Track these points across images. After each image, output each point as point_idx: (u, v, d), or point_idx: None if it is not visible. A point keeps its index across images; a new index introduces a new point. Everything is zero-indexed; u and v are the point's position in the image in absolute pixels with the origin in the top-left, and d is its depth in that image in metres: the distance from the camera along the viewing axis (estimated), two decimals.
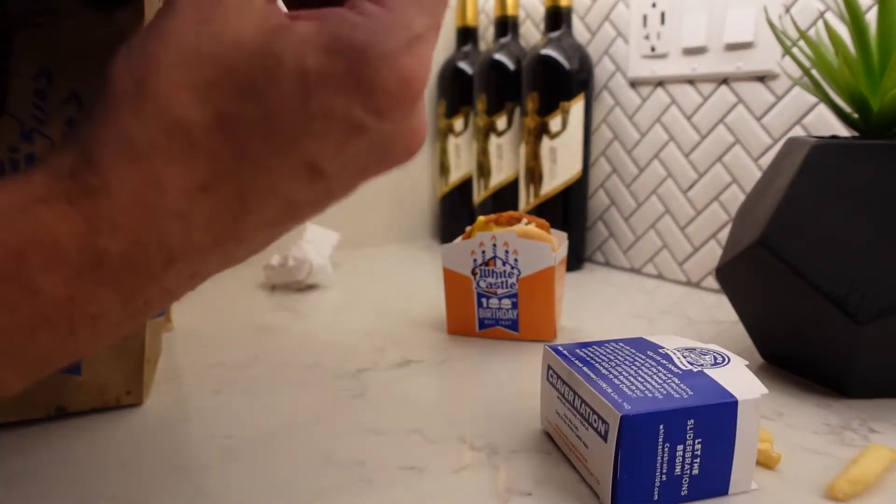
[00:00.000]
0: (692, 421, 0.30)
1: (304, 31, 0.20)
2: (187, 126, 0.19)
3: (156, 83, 0.19)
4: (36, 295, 0.19)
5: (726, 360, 0.35)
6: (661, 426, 0.30)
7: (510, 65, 0.85)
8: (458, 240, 0.56)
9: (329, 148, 0.20)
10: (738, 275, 0.49)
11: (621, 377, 0.33)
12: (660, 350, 0.36)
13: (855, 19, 0.44)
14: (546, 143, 0.79)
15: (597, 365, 0.35)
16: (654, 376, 0.33)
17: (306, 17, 0.20)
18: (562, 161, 0.80)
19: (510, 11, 0.87)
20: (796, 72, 0.63)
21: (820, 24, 0.61)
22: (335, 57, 0.19)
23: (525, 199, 0.83)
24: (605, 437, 0.31)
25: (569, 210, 0.82)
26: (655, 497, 0.31)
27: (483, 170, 0.89)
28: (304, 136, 0.20)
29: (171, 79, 0.19)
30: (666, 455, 0.31)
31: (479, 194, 0.91)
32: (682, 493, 0.31)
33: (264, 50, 0.19)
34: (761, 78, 0.67)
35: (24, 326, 0.19)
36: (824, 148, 0.44)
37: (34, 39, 0.34)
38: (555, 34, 0.79)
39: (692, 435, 0.31)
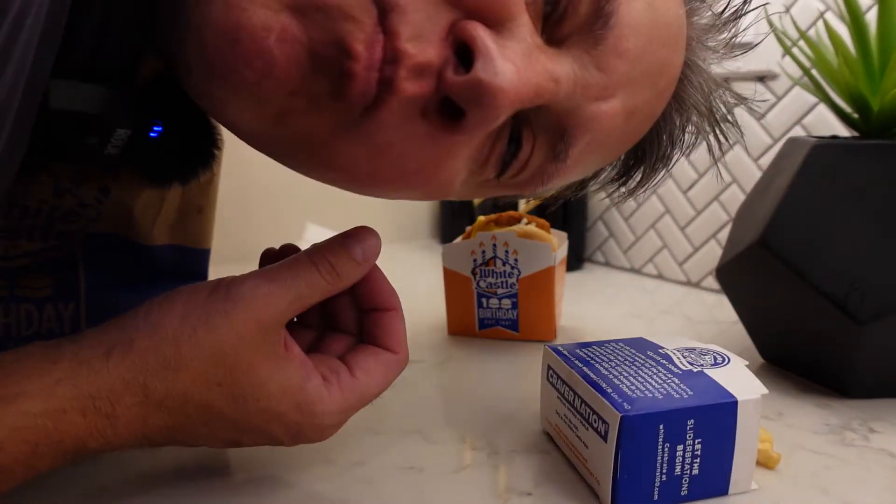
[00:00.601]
0: (692, 421, 0.30)
1: (290, 383, 0.29)
2: (188, 399, 0.27)
3: (189, 368, 0.27)
4: (33, 470, 0.26)
5: (726, 360, 0.35)
6: (661, 426, 0.30)
7: None
8: (458, 240, 0.56)
9: (257, 442, 0.31)
10: (738, 275, 0.49)
11: (621, 377, 0.33)
12: (660, 350, 0.36)
13: (855, 19, 0.44)
14: None
15: (597, 365, 0.35)
16: (654, 376, 0.33)
17: (297, 357, 0.29)
18: None
19: None
20: (796, 72, 0.63)
21: (820, 24, 0.61)
22: (299, 412, 0.29)
23: (525, 199, 0.83)
24: (605, 437, 0.31)
25: (569, 210, 0.82)
26: (655, 497, 0.31)
27: None
28: (248, 434, 0.30)
29: (198, 368, 0.27)
30: (666, 455, 0.31)
31: None
32: (682, 493, 0.31)
33: (261, 383, 0.28)
34: (761, 78, 0.67)
35: (12, 486, 0.26)
36: (824, 148, 0.44)
37: None
38: None
39: (692, 435, 0.31)
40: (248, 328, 0.27)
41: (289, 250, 0.34)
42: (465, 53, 0.25)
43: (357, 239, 0.31)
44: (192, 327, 0.27)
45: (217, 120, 0.33)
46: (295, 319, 0.35)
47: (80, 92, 0.26)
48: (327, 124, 0.25)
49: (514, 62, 0.25)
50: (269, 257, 0.34)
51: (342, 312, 0.34)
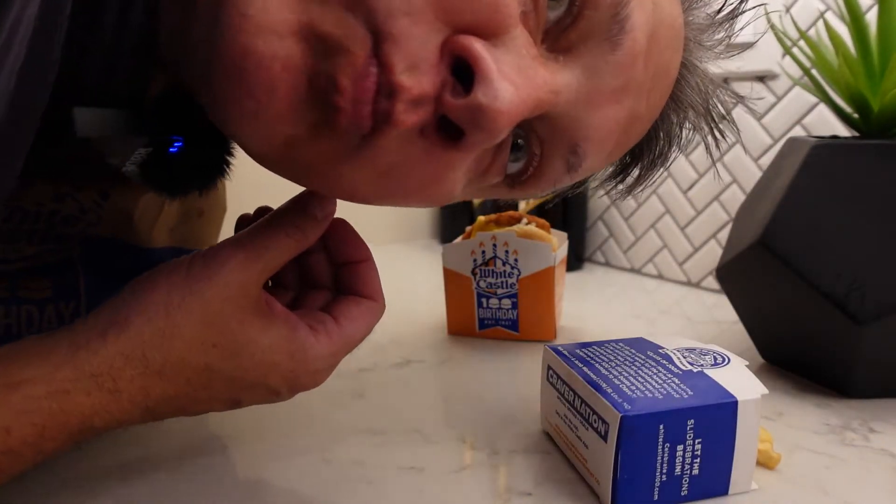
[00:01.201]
0: (692, 421, 0.30)
1: (279, 334, 0.30)
2: (186, 364, 0.29)
3: (182, 334, 0.28)
4: (41, 453, 0.27)
5: (726, 360, 0.35)
6: (661, 426, 0.30)
7: None
8: (459, 240, 0.56)
9: (256, 399, 0.32)
10: (738, 275, 0.49)
11: (621, 377, 0.33)
12: (660, 350, 0.36)
13: (855, 19, 0.44)
14: None
15: (597, 365, 0.35)
16: (655, 376, 0.33)
17: (281, 312, 0.31)
18: None
19: None
20: (796, 72, 0.63)
21: (820, 24, 0.61)
22: (292, 360, 0.31)
23: (525, 199, 0.83)
24: (605, 437, 0.31)
25: (569, 210, 0.82)
26: (655, 497, 0.31)
27: None
28: (248, 391, 0.31)
29: (191, 333, 0.28)
30: (666, 455, 0.31)
31: None
32: (682, 493, 0.31)
33: (253, 338, 0.30)
34: (761, 78, 0.67)
35: (22, 469, 0.27)
36: (824, 148, 0.44)
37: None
38: None
39: (692, 435, 0.31)
40: (232, 290, 0.29)
41: (262, 212, 0.35)
42: (460, 69, 0.25)
43: (313, 198, 0.32)
44: (180, 296, 0.28)
45: (231, 139, 0.34)
46: (270, 283, 0.36)
47: (104, 118, 0.27)
48: (328, 152, 0.26)
49: (513, 80, 0.25)
50: (243, 222, 0.36)
51: (317, 269, 0.35)
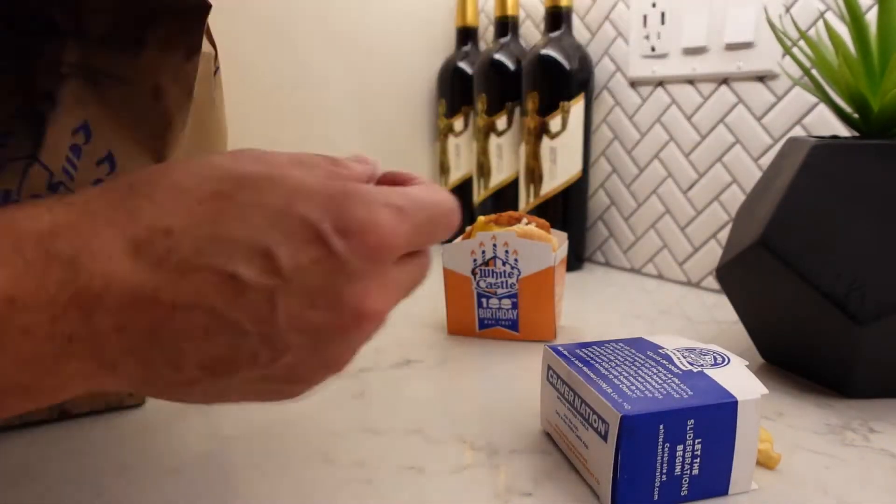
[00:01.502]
0: (692, 421, 0.30)
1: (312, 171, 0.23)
2: (182, 190, 0.22)
3: (179, 165, 0.23)
4: None
5: (726, 360, 0.35)
6: (661, 426, 0.30)
7: (510, 65, 0.85)
8: (458, 240, 0.56)
9: (293, 240, 0.22)
10: (738, 275, 0.49)
11: (621, 377, 0.33)
12: (660, 350, 0.36)
13: (855, 19, 0.44)
14: (546, 143, 0.79)
15: (597, 365, 0.35)
16: (654, 376, 0.33)
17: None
18: (562, 161, 0.80)
19: (510, 11, 0.87)
20: (796, 72, 0.63)
21: (820, 24, 0.61)
22: (330, 178, 0.24)
23: (525, 199, 0.83)
24: (605, 437, 0.31)
25: (569, 210, 0.82)
26: (655, 497, 0.31)
27: (483, 170, 0.89)
28: (275, 226, 0.22)
29: (193, 167, 0.23)
30: (666, 455, 0.31)
31: (479, 194, 0.91)
32: (682, 493, 0.31)
33: (280, 168, 0.23)
34: (761, 78, 0.67)
35: None
36: (824, 148, 0.44)
37: (81, 93, 0.33)
38: (555, 34, 0.79)
39: (692, 435, 0.31)
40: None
41: None
42: None
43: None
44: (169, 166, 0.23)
45: None
46: None
47: None
48: None
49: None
50: None
51: None
